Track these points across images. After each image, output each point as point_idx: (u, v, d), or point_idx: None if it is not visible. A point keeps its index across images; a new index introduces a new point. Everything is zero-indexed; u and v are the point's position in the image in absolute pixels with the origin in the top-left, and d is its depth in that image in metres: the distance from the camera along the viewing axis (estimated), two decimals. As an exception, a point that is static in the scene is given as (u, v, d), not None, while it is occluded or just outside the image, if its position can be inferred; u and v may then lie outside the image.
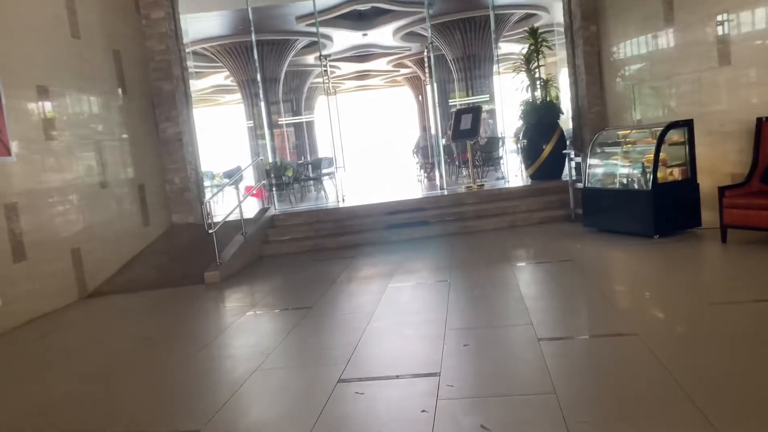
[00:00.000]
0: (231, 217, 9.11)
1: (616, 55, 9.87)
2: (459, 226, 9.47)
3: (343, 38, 18.70)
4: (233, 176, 14.82)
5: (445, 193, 11.14)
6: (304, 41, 18.39)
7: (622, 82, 9.86)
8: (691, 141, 7.47)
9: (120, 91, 9.14)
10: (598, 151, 8.45)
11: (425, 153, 14.84)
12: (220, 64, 18.67)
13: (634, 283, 5.87)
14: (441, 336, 4.57)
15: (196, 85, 25.59)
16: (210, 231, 7.83)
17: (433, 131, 12.04)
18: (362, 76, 27.78)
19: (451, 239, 8.86)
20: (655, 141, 7.59)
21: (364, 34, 18.48)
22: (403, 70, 27.53)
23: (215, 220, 8.54)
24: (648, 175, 7.45)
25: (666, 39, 8.59)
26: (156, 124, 10.02)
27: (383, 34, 18.68)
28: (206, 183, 13.92)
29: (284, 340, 4.97)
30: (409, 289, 6.27)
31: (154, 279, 8.03)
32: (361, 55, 22.33)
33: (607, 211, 8.05)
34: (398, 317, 5.31)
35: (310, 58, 21.70)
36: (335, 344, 4.77)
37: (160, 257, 8.76)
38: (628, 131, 8.24)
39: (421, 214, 9.90)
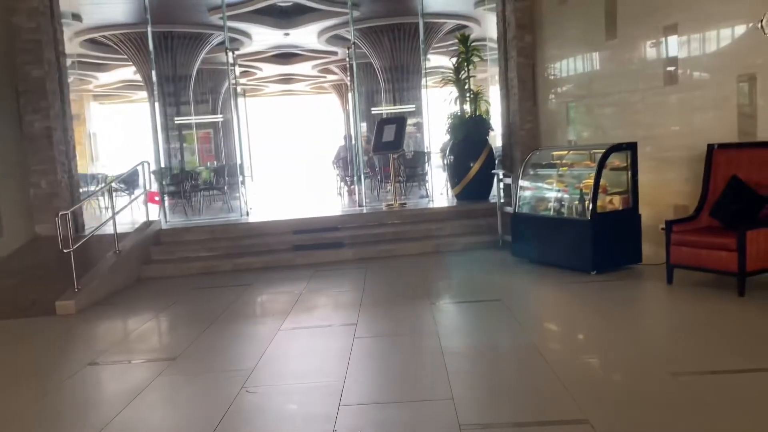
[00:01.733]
0: (113, 230, 7.58)
1: (551, 68, 9.09)
2: (377, 250, 8.35)
3: (262, 36, 17.32)
4: (129, 182, 13.16)
5: (364, 210, 10.02)
6: (219, 36, 16.90)
7: (557, 99, 9.08)
8: (633, 166, 6.67)
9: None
10: (531, 172, 7.56)
11: (346, 165, 13.69)
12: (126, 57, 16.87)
13: (575, 337, 4.90)
14: (332, 418, 3.39)
15: (102, 78, 23.49)
16: (66, 250, 6.33)
17: (353, 141, 10.92)
18: (286, 79, 26.42)
19: (367, 266, 7.72)
20: (594, 164, 6.75)
21: (286, 34, 17.19)
22: (330, 77, 26.37)
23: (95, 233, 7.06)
24: (586, 202, 6.59)
25: (607, 54, 7.84)
26: (20, 117, 8.36)
27: (307, 35, 17.45)
28: (92, 188, 12.23)
29: (119, 415, 3.64)
30: (306, 336, 5.06)
31: (-8, 307, 6.44)
32: (284, 55, 21.01)
33: (539, 240, 7.15)
34: (282, 381, 4.09)
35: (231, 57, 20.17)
36: (187, 425, 3.49)
37: (8, 278, 7.14)
38: (565, 152, 7.40)
39: (334, 235, 8.72)
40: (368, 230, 8.88)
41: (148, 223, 8.56)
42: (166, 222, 9.63)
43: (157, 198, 12.08)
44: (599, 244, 6.48)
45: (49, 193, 8.45)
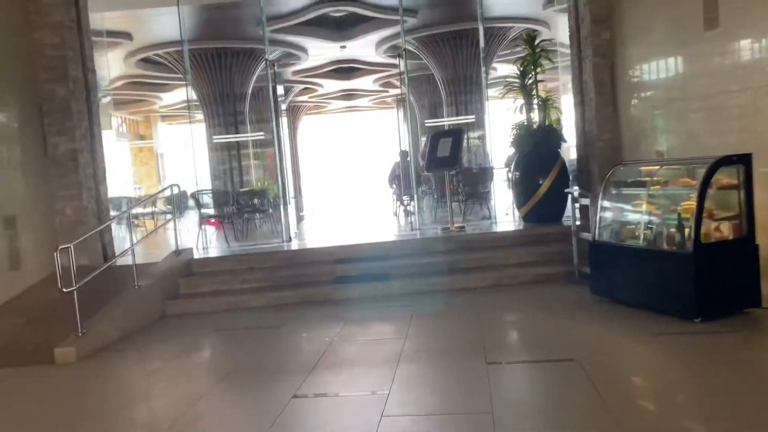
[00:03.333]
0: (132, 262, 6.82)
1: (634, 68, 7.73)
2: (428, 284, 7.21)
3: (319, 50, 16.62)
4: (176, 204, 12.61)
5: (417, 235, 8.91)
6: (275, 52, 16.31)
7: (642, 104, 7.71)
8: (748, 184, 5.26)
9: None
10: (613, 191, 6.24)
11: (401, 183, 12.63)
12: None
13: (678, 422, 3.58)
14: None
15: (165, 98, 23.53)
16: (66, 289, 5.55)
17: (408, 158, 9.87)
18: (348, 95, 25.74)
19: (414, 303, 6.60)
20: (695, 182, 5.39)
21: (343, 47, 16.41)
22: (393, 91, 25.45)
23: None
24: (687, 230, 5.23)
25: (706, 47, 6.44)
26: (44, 138, 7.80)
27: (364, 47, 16.60)
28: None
29: None
30: (322, 408, 3.99)
31: (-9, 352, 5.74)
32: (343, 70, 20.29)
33: (625, 275, 5.82)
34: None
35: (290, 74, 19.65)
36: None
37: (17, 316, 6.46)
38: (656, 167, 6.03)
39: (381, 265, 7.65)
40: (419, 259, 7.76)
41: (177, 252, 7.77)
42: (204, 249, 8.87)
43: (212, 221, 11.48)
44: (704, 282, 5.10)
45: (74, 221, 7.81)
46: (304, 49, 16.45)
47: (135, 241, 7.18)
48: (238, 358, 5.24)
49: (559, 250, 7.53)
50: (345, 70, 20.36)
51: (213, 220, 11.44)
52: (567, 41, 8.83)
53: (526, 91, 8.77)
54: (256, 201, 10.45)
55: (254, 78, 16.83)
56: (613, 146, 8.07)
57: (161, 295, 7.13)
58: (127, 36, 13.75)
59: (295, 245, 8.84)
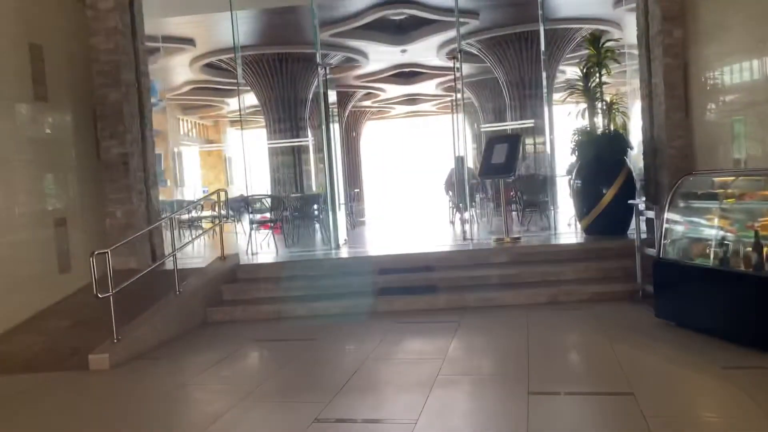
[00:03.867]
0: (173, 267, 6.76)
1: (710, 69, 7.06)
2: (476, 298, 6.80)
3: (379, 54, 16.43)
4: (235, 209, 12.70)
5: (470, 246, 8.49)
6: (337, 57, 16.24)
7: (719, 108, 7.03)
8: (840, 199, 4.61)
9: (33, 96, 7.04)
10: (682, 204, 5.65)
11: (458, 190, 12.22)
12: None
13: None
14: None
15: (232, 104, 23.97)
16: (102, 295, 5.50)
17: (463, 164, 9.48)
18: (411, 100, 25.46)
19: (460, 318, 6.21)
20: (777, 196, 4.78)
21: (403, 51, 16.15)
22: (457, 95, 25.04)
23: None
24: (766, 250, 4.62)
25: (793, 43, 5.76)
26: (97, 142, 7.90)
27: (425, 51, 16.28)
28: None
29: None
30: (343, 435, 3.69)
31: (32, 354, 5.77)
32: (405, 74, 20.04)
33: (693, 298, 5.24)
34: None
35: (351, 78, 19.58)
36: None
37: (61, 319, 6.51)
38: (731, 178, 5.42)
39: (427, 276, 7.30)
40: (469, 271, 7.36)
41: (223, 258, 7.69)
42: (253, 254, 8.77)
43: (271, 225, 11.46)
44: (786, 310, 4.49)
45: (124, 224, 7.87)
46: (364, 54, 16.31)
47: (183, 244, 7.09)
48: (268, 373, 5.03)
49: (622, 266, 6.96)
50: (407, 74, 20.11)
51: (270, 225, 11.43)
52: (638, 47, 8.22)
53: (590, 94, 8.21)
54: (306, 207, 10.27)
55: (315, 83, 16.82)
56: (685, 155, 7.41)
57: (203, 302, 7.03)
58: (190, 42, 13.99)
59: (344, 253, 8.61)
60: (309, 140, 16.22)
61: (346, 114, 23.44)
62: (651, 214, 6.37)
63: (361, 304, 6.89)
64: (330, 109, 9.26)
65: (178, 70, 17.16)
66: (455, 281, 7.21)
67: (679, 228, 5.63)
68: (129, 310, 6.10)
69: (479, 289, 6.96)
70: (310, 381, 4.74)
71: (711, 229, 5.27)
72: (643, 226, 6.96)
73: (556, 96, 15.83)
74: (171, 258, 6.89)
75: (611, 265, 7.12)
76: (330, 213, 8.94)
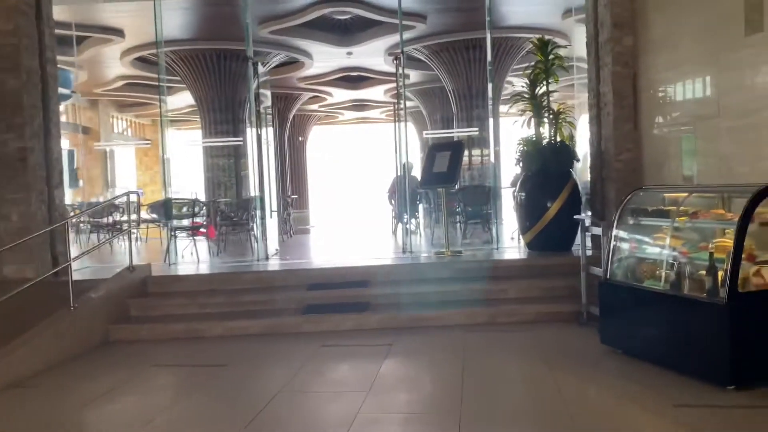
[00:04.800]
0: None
1: (660, 79, 6.74)
2: (411, 318, 6.24)
3: (324, 56, 15.79)
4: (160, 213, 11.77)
5: (408, 260, 7.94)
6: (279, 56, 15.50)
7: (669, 120, 6.73)
8: (799, 220, 4.25)
9: None
10: (631, 221, 5.23)
11: (400, 199, 11.69)
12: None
13: None
14: None
15: (171, 102, 22.78)
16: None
17: (402, 172, 8.93)
18: (359, 106, 24.93)
19: (392, 341, 5.64)
20: (732, 215, 4.40)
21: (349, 53, 15.58)
22: (407, 104, 24.59)
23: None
24: (721, 274, 4.21)
25: (747, 55, 5.45)
26: (-9, 135, 6.98)
27: (372, 55, 15.75)
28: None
29: None
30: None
31: None
32: (353, 78, 19.49)
33: (641, 323, 4.81)
34: None
35: (296, 80, 18.85)
36: None
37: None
38: (684, 194, 5.03)
39: (360, 293, 6.69)
40: (406, 288, 6.79)
41: (131, 269, 6.87)
42: (172, 264, 7.97)
43: (202, 230, 10.61)
44: (741, 340, 4.08)
45: (20, 228, 6.94)
46: (308, 54, 15.65)
47: (82, 252, 6.24)
48: (160, 408, 4.30)
49: (567, 285, 6.54)
50: (353, 78, 19.56)
51: (202, 231, 10.61)
52: (584, 56, 7.88)
53: (536, 103, 7.81)
54: (236, 213, 9.52)
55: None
56: (633, 168, 7.06)
57: (105, 318, 6.22)
58: (118, 33, 13.01)
59: (272, 265, 7.91)
60: (247, 141, 15.36)
61: (291, 117, 22.67)
62: (597, 230, 5.95)
63: (284, 323, 6.23)
64: (264, 108, 8.58)
65: (109, 63, 16.09)
66: (390, 298, 6.63)
67: (628, 246, 5.21)
68: (10, 328, 5.27)
69: (416, 307, 6.40)
70: (207, 419, 4.04)
71: (662, 248, 4.85)
72: (588, 242, 6.55)
73: (503, 108, 15.55)
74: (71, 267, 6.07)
75: (555, 283, 6.69)
76: (259, 221, 8.22)
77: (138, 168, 26.72)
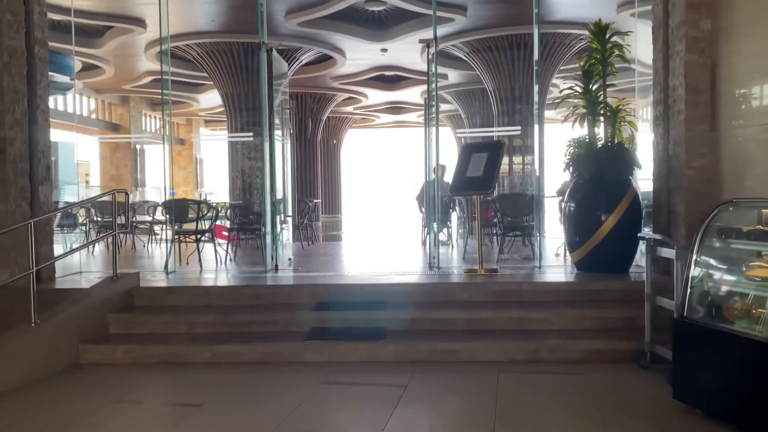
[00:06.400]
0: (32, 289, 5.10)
1: (747, 71, 5.53)
2: (433, 351, 5.18)
3: (357, 53, 14.87)
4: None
5: (435, 278, 6.87)
6: (310, 52, 14.64)
7: (756, 120, 5.49)
8: None
9: None
10: (717, 244, 4.08)
11: (430, 206, 10.62)
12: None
13: None
14: None
15: (202, 100, 22.16)
16: None
17: (432, 176, 7.88)
18: (395, 108, 23.95)
19: (409, 379, 4.60)
20: None
21: (384, 50, 14.62)
22: (445, 106, 23.46)
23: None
24: None
25: None
26: (-33, 123, 6.22)
27: (408, 51, 14.71)
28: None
29: None
30: None
31: None
32: (388, 79, 18.54)
33: (731, 379, 3.65)
34: None
35: (329, 80, 18.01)
36: None
37: None
38: (792, 211, 3.86)
39: (374, 316, 5.65)
40: (430, 312, 5.73)
41: (114, 278, 6.00)
42: (171, 273, 7.10)
43: (224, 233, 9.81)
44: None
45: (-7, 228, 6.17)
46: (340, 51, 14.75)
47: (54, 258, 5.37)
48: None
49: (623, 316, 5.41)
50: (389, 78, 18.62)
51: (224, 234, 9.81)
52: (645, 59, 6.72)
53: (591, 98, 6.67)
54: (251, 217, 8.62)
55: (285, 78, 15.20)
56: (708, 177, 5.85)
57: (77, 336, 5.33)
58: (140, 23, 12.32)
59: (280, 277, 6.94)
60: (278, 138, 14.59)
61: (325, 118, 21.85)
62: (669, 252, 4.78)
63: (282, 350, 5.24)
64: (281, 103, 7.65)
65: (136, 58, 15.47)
66: (410, 324, 5.58)
67: (712, 277, 4.06)
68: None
69: (439, 337, 5.34)
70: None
71: (763, 281, 3.69)
72: (652, 269, 5.38)
73: (548, 114, 14.29)
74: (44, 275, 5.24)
75: (610, 313, 5.54)
76: (269, 227, 7.27)
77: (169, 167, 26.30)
